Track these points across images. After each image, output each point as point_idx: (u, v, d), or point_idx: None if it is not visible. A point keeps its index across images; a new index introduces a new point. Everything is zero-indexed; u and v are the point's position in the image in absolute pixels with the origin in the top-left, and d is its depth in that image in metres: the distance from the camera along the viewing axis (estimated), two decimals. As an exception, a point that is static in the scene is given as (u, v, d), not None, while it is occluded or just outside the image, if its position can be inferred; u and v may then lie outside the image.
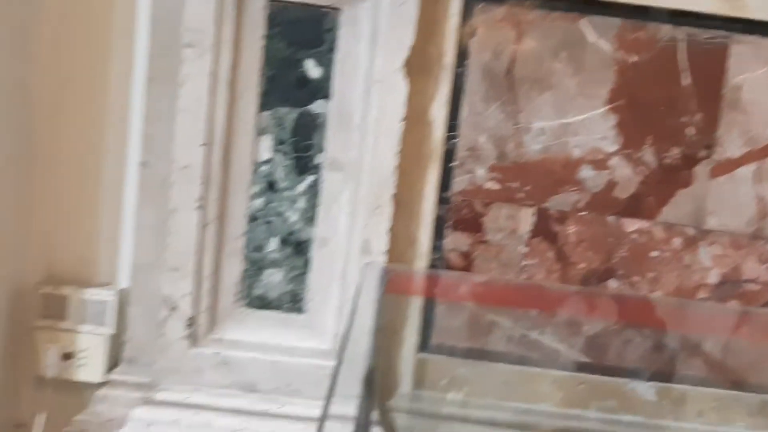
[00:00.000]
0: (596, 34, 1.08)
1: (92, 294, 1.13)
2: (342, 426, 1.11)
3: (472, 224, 1.12)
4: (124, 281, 1.15)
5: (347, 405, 1.10)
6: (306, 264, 1.09)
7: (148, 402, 1.07)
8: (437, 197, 1.11)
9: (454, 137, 1.12)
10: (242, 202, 1.07)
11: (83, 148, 1.13)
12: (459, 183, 1.12)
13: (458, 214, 1.12)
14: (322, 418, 0.61)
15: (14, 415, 1.16)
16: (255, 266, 1.09)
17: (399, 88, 1.03)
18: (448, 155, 1.12)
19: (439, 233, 1.12)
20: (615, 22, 1.08)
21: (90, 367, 1.14)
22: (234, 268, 1.09)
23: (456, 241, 1.13)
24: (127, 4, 1.10)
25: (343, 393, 1.09)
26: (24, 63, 1.07)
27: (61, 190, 1.14)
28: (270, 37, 1.03)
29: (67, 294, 1.12)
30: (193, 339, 1.09)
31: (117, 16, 1.11)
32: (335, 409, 1.10)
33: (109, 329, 1.14)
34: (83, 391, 1.16)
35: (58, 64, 1.11)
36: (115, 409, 1.12)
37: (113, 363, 1.15)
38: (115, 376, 1.13)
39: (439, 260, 1.12)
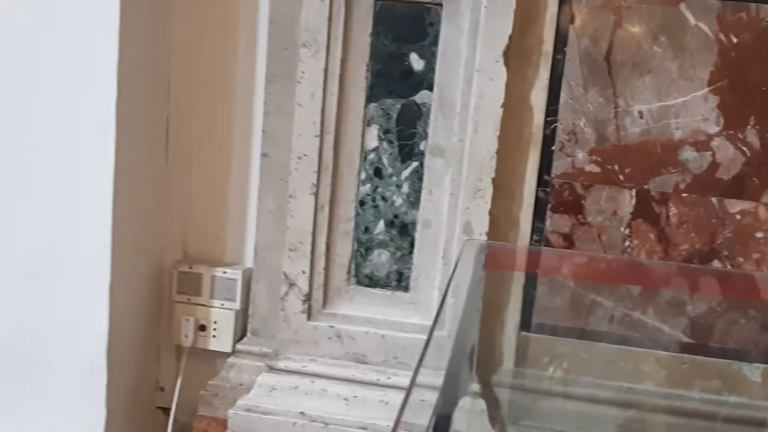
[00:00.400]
0: (697, 16, 1.08)
1: (222, 272, 1.26)
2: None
3: (573, 206, 1.16)
4: (249, 261, 1.28)
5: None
6: (410, 245, 1.16)
7: (271, 369, 1.19)
8: (537, 180, 1.15)
9: (553, 122, 1.15)
10: (352, 187, 1.16)
11: (213, 142, 1.26)
12: (559, 166, 1.15)
13: (559, 197, 1.16)
14: (409, 388, 0.66)
15: (156, 379, 1.31)
16: (364, 247, 1.17)
17: (499, 76, 1.08)
18: (548, 139, 1.15)
19: (539, 215, 1.16)
20: (715, 4, 1.07)
21: (220, 338, 1.27)
22: (345, 249, 1.18)
23: (557, 223, 1.16)
24: (250, 9, 1.22)
25: (441, 366, 1.16)
26: (163, 64, 1.21)
27: (194, 181, 1.27)
28: (376, 34, 1.11)
29: (201, 272, 1.26)
30: (310, 313, 1.19)
31: (241, 21, 1.22)
32: (437, 380, 1.17)
33: (236, 304, 1.26)
34: (215, 359, 1.29)
35: (190, 64, 1.24)
36: (243, 376, 1.24)
37: (240, 334, 1.28)
38: (242, 346, 1.26)
39: (539, 242, 1.16)
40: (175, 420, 1.24)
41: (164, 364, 1.30)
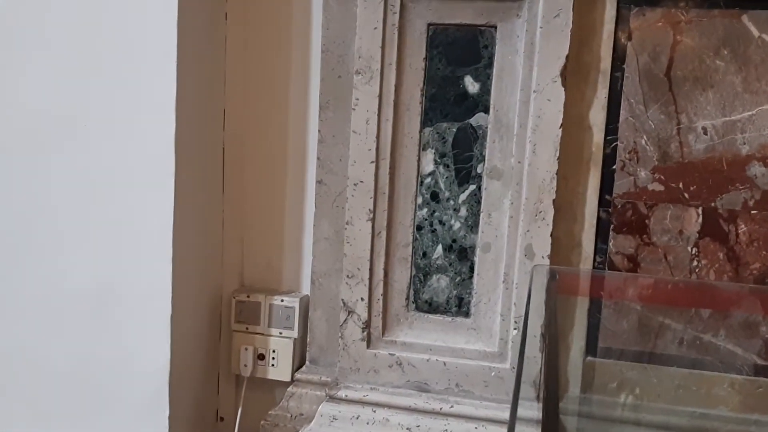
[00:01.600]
0: (760, 28, 1.05)
1: (279, 300, 1.25)
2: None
3: (637, 226, 1.12)
4: (306, 288, 1.27)
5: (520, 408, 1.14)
6: (470, 269, 1.14)
7: (332, 399, 1.17)
8: (599, 200, 1.13)
9: (614, 141, 1.12)
10: (408, 212, 1.15)
11: (268, 170, 1.27)
12: (621, 186, 1.13)
13: (622, 217, 1.13)
14: (511, 420, 0.64)
15: (216, 409, 1.31)
16: (422, 272, 1.16)
17: (556, 96, 1.06)
18: (609, 159, 1.13)
19: (602, 236, 1.13)
20: (780, 14, 1.04)
21: (279, 367, 1.26)
22: (403, 275, 1.17)
23: (620, 243, 1.13)
24: (303, 38, 1.23)
25: (509, 396, 1.13)
26: (217, 95, 1.22)
27: (250, 210, 1.28)
28: (430, 58, 1.11)
29: (259, 301, 1.26)
30: (369, 341, 1.18)
31: (293, 50, 1.23)
32: (503, 414, 1.14)
33: (294, 332, 1.26)
34: (274, 388, 1.29)
35: (244, 94, 1.25)
36: (303, 405, 1.23)
37: (299, 363, 1.27)
38: (301, 375, 1.25)
39: (603, 264, 1.13)
40: (235, 450, 1.23)
41: (224, 393, 1.30)
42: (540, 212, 1.09)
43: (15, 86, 1.13)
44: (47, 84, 1.12)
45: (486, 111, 1.10)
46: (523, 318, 0.98)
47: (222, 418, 1.31)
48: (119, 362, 1.14)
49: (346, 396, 1.17)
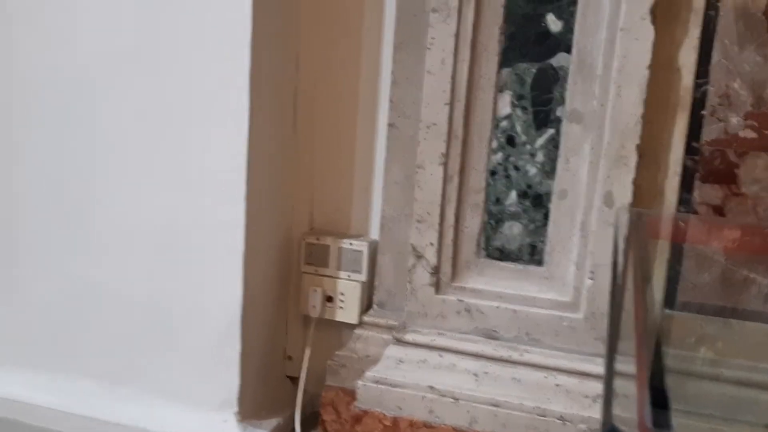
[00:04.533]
0: None
1: (348, 244, 1.25)
2: (579, 382, 1.12)
3: (725, 175, 1.06)
4: (374, 233, 1.26)
5: (590, 362, 1.11)
6: (545, 217, 1.11)
7: (399, 342, 1.18)
8: (685, 147, 1.07)
9: (704, 84, 1.06)
10: (482, 157, 1.12)
11: (339, 113, 1.25)
12: (710, 132, 1.06)
13: (709, 165, 1.07)
14: (608, 377, 0.61)
15: (284, 348, 1.33)
16: (494, 219, 1.13)
17: (645, 35, 1.00)
18: (698, 103, 1.06)
19: (687, 186, 1.08)
20: None
21: (347, 310, 1.27)
22: (475, 220, 1.14)
23: (706, 193, 1.07)
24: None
25: (586, 351, 1.11)
26: (291, 37, 1.21)
27: (320, 152, 1.27)
28: (510, -5, 1.06)
29: (328, 244, 1.26)
30: (438, 286, 1.16)
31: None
32: (573, 364, 1.12)
33: (362, 276, 1.25)
34: (341, 330, 1.29)
35: (317, 35, 1.23)
36: (369, 348, 1.24)
37: (366, 306, 1.28)
38: (368, 318, 1.25)
39: (687, 214, 1.08)
40: (303, 390, 1.25)
41: (292, 334, 1.32)
42: (622, 158, 1.04)
43: (87, 20, 1.14)
44: (119, 17, 1.12)
45: (568, 51, 1.05)
46: (611, 264, 0.94)
47: (290, 357, 1.33)
48: (192, 298, 1.17)
49: (413, 340, 1.17)
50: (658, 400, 0.45)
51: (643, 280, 0.80)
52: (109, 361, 1.22)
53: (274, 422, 1.22)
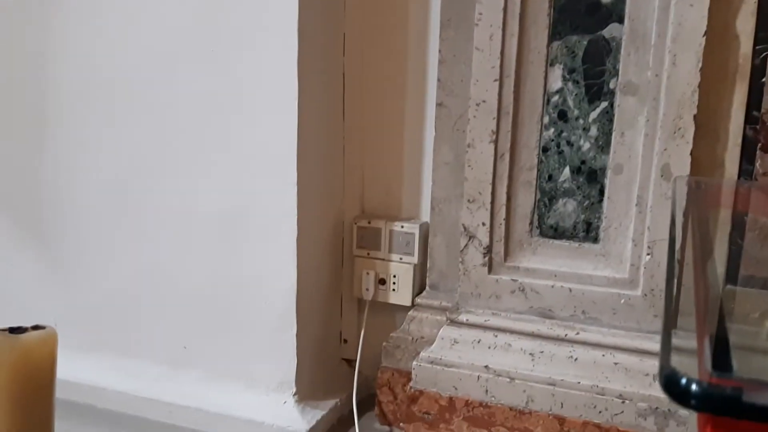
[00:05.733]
0: None
1: (399, 227, 1.25)
2: (639, 360, 1.10)
3: (788, 144, 1.02)
4: (425, 215, 1.26)
5: (649, 340, 1.09)
6: (600, 192, 1.09)
7: (452, 323, 1.17)
8: (745, 117, 1.03)
9: (763, 51, 1.02)
10: (534, 133, 1.10)
11: (387, 94, 1.25)
12: (771, 100, 1.03)
13: (771, 134, 1.03)
14: (666, 322, 0.59)
15: (339, 331, 1.34)
16: (547, 196, 1.12)
17: (700, 1, 0.97)
18: (757, 71, 1.02)
19: (748, 156, 1.04)
20: None
21: (400, 292, 1.27)
22: (527, 199, 1.13)
23: (768, 163, 1.04)
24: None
25: (645, 328, 1.08)
26: (338, 18, 1.21)
27: (369, 135, 1.27)
28: (559, -34, 1.04)
29: (379, 227, 1.26)
30: (491, 266, 1.16)
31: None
32: (632, 342, 1.10)
33: (414, 258, 1.25)
34: (395, 312, 1.30)
35: (363, 16, 1.23)
36: (424, 329, 1.24)
37: (419, 289, 1.28)
38: (421, 300, 1.25)
39: (749, 181, 1.05)
40: (359, 372, 1.26)
41: (346, 317, 1.33)
42: (679, 129, 1.01)
43: (147, 13, 1.16)
44: (176, 9, 1.14)
45: (620, 21, 1.03)
46: (669, 236, 0.91)
47: (345, 340, 1.34)
48: (248, 283, 1.19)
49: (467, 320, 1.16)
50: (720, 360, 0.44)
51: (704, 252, 0.77)
52: (171, 344, 1.26)
53: (331, 403, 1.24)
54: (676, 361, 0.43)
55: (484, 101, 1.09)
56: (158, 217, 1.22)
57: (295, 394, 1.20)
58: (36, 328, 0.85)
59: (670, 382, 0.40)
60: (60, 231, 1.30)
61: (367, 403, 1.27)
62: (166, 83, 1.17)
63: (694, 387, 0.39)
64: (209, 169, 1.17)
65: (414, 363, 1.16)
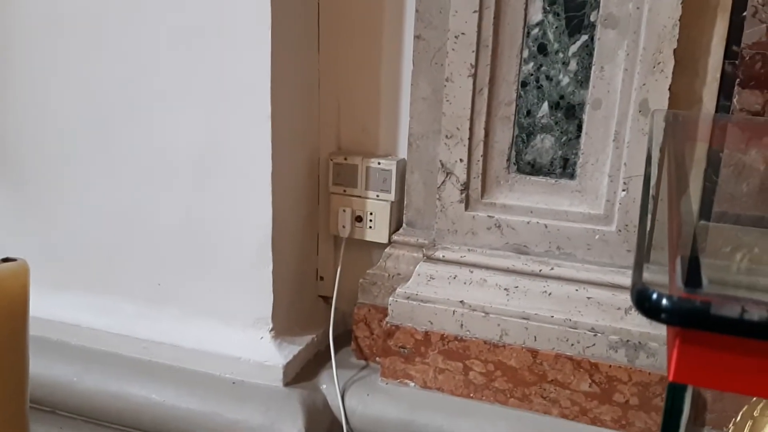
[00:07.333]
0: None
1: (376, 163, 1.24)
2: (612, 295, 1.12)
3: (767, 80, 1.02)
4: (402, 151, 1.25)
5: (622, 275, 1.10)
6: (578, 128, 1.08)
7: (429, 259, 1.18)
8: (725, 52, 1.03)
9: (746, -17, 1.01)
10: (513, 67, 1.08)
11: (363, 28, 1.22)
12: (751, 35, 1.01)
13: (750, 70, 1.02)
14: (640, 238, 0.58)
15: (315, 269, 1.34)
16: (525, 132, 1.11)
17: (684, -70, 0.95)
18: (738, 4, 1.01)
19: (726, 92, 1.04)
20: None
21: (377, 229, 1.27)
22: (505, 134, 1.12)
23: (746, 100, 1.03)
24: None
25: (618, 263, 1.09)
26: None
27: (345, 70, 1.25)
28: None
29: (356, 164, 1.25)
30: (467, 203, 1.15)
31: None
32: (605, 277, 1.11)
33: (391, 195, 1.25)
34: (371, 250, 1.30)
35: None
36: (400, 266, 1.24)
37: (396, 226, 1.28)
38: (398, 237, 1.25)
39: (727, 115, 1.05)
40: (335, 308, 1.27)
41: (323, 254, 1.33)
42: (658, 63, 1.00)
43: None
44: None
45: (602, -50, 1.00)
46: (645, 171, 0.91)
47: (322, 278, 1.34)
48: (223, 219, 1.18)
49: (444, 256, 1.17)
50: (691, 277, 0.44)
51: (679, 188, 0.77)
52: (148, 281, 1.25)
53: (308, 339, 1.25)
54: (648, 279, 0.43)
55: (463, 33, 1.07)
56: (131, 153, 1.20)
57: (271, 330, 1.20)
58: (6, 260, 0.84)
59: (641, 297, 0.40)
60: (32, 169, 1.27)
61: (344, 338, 1.29)
62: (135, 16, 1.13)
63: (664, 301, 0.39)
64: (182, 103, 1.14)
65: (390, 299, 1.17)
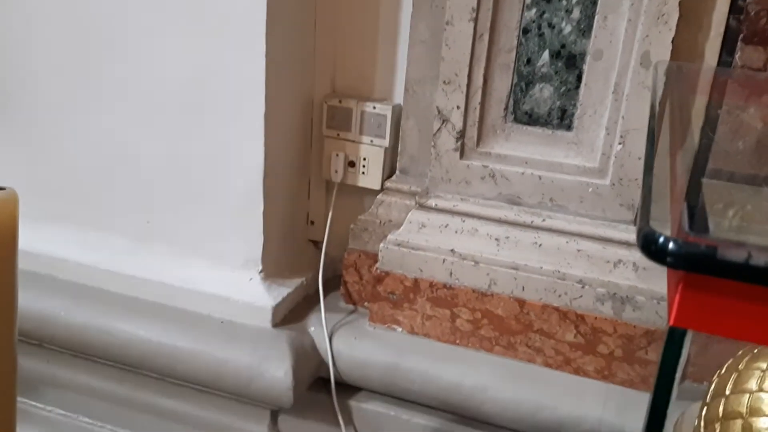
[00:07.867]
0: None
1: (372, 107, 1.22)
2: (602, 248, 1.12)
3: (771, 37, 1.01)
4: (398, 97, 1.23)
5: (613, 228, 1.10)
6: (578, 78, 1.07)
7: (421, 207, 1.17)
8: (730, 6, 1.01)
9: (756, -65, 0.99)
10: (515, 12, 1.06)
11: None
12: (759, -11, 1.00)
13: (754, 25, 1.01)
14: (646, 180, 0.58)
15: (307, 213, 1.34)
16: (524, 81, 1.10)
17: None
18: (748, -43, 0.99)
19: (728, 47, 1.03)
20: None
21: (370, 175, 1.26)
22: (504, 82, 1.10)
23: (748, 56, 1.02)
24: None
25: (610, 217, 1.09)
26: None
27: (341, 11, 1.22)
28: None
29: (350, 107, 1.23)
30: (462, 151, 1.14)
31: None
32: (596, 230, 1.12)
33: (386, 141, 1.23)
34: (363, 195, 1.29)
35: None
36: (392, 213, 1.24)
37: (389, 172, 1.27)
38: (390, 184, 1.25)
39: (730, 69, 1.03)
40: (325, 253, 1.27)
41: (314, 199, 1.32)
42: (663, 15, 0.98)
43: None
44: None
45: None
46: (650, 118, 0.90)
47: (313, 222, 1.33)
48: (214, 158, 1.16)
49: (436, 205, 1.16)
50: (697, 221, 0.44)
51: (681, 138, 0.77)
52: (136, 217, 1.24)
53: (297, 282, 1.25)
54: (654, 224, 0.42)
55: (465, -24, 1.04)
56: (119, 86, 1.17)
57: (261, 272, 1.20)
58: (-6, 189, 0.82)
59: (647, 241, 0.40)
60: (18, 103, 1.24)
61: (333, 283, 1.29)
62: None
63: (671, 244, 0.39)
64: (173, 35, 1.11)
65: (381, 245, 1.16)
